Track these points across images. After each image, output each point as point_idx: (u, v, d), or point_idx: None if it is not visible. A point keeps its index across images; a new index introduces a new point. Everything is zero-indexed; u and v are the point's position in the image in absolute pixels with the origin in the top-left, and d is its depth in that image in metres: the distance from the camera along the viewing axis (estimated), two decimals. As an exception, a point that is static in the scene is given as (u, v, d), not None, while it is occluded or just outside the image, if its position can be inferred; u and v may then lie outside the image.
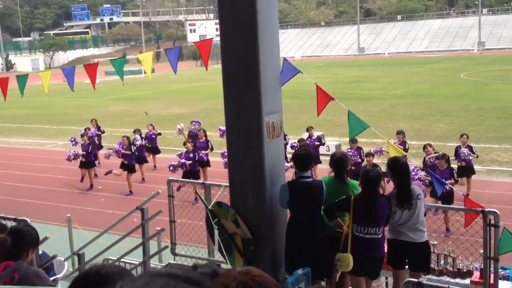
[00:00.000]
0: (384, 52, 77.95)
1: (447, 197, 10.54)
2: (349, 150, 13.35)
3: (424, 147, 12.77)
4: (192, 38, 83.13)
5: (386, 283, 6.56)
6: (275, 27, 5.75)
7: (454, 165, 12.35)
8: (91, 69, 7.87)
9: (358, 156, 13.34)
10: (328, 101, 6.26)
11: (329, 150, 15.85)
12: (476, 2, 78.52)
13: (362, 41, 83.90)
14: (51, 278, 6.05)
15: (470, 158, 12.74)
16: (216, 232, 5.92)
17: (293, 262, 5.60)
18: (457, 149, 13.05)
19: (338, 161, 6.00)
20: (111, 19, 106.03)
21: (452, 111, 26.08)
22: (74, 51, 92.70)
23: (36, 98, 35.04)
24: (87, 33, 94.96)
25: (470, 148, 13.05)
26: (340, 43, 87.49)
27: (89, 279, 2.01)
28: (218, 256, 6.61)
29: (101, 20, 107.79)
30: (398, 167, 5.83)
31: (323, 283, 5.90)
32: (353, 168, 12.91)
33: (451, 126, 22.40)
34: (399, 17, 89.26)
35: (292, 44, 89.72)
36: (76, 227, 10.63)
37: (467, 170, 12.73)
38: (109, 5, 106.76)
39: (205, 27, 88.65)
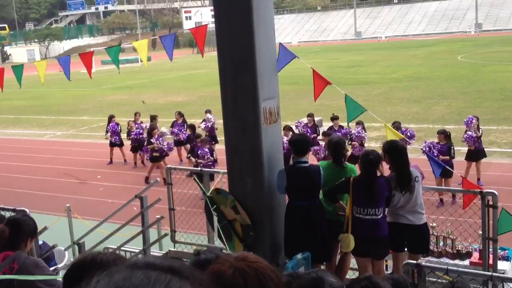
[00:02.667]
0: (381, 36, 77.57)
1: (445, 172, 10.29)
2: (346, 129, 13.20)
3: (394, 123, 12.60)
4: (188, 25, 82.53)
5: (386, 265, 6.59)
6: (270, 12, 5.71)
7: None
8: (86, 58, 7.83)
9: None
10: (325, 85, 6.25)
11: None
12: (473, -16, 78.07)
13: (359, 25, 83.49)
14: (52, 268, 6.07)
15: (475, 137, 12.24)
16: (215, 219, 5.93)
17: (292, 247, 5.62)
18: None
19: (335, 145, 6.00)
20: (106, 7, 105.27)
21: (450, 93, 26.03)
22: (70, 40, 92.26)
23: (32, 88, 34.94)
24: (4, 28, 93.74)
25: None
26: (337, 28, 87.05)
27: (85, 267, 2.00)
28: (218, 243, 6.63)
29: (96, 9, 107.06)
30: (396, 151, 5.82)
31: (322, 267, 5.92)
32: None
33: (449, 108, 22.38)
34: (395, 0, 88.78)
35: (289, 29, 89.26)
36: (76, 216, 10.64)
37: (478, 153, 12.49)
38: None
39: (201, 14, 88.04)
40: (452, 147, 11.38)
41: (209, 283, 1.12)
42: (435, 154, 10.68)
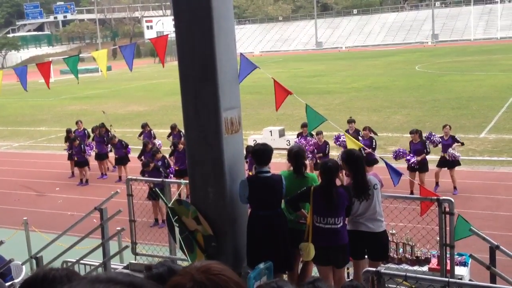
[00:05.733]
0: (342, 46, 78.85)
1: (422, 167, 12.68)
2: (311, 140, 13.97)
3: (364, 128, 13.80)
4: (149, 34, 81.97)
5: (348, 273, 6.65)
6: (231, 23, 5.74)
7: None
8: (44, 68, 7.68)
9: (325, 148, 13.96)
10: (286, 95, 6.29)
11: (289, 144, 15.96)
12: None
13: (320, 36, 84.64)
14: (8, 283, 5.90)
15: (457, 156, 12.92)
16: (176, 230, 5.88)
17: (254, 256, 5.62)
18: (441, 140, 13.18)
19: (295, 155, 6.03)
20: (65, 16, 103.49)
21: (408, 102, 26.62)
22: (27, 50, 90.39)
23: (-12, 99, 34.02)
24: None
25: (454, 138, 13.17)
26: (298, 38, 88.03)
27: (37, 284, 1.96)
28: (180, 254, 6.57)
29: (55, 18, 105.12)
30: (352, 160, 5.90)
31: (285, 277, 5.94)
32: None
33: (407, 117, 22.86)
34: (355, 11, 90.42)
35: (251, 39, 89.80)
36: (34, 230, 10.38)
37: (450, 162, 12.90)
38: (62, 3, 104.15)
39: (162, 24, 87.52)
40: (426, 143, 12.87)
41: None
42: (412, 154, 12.64)
